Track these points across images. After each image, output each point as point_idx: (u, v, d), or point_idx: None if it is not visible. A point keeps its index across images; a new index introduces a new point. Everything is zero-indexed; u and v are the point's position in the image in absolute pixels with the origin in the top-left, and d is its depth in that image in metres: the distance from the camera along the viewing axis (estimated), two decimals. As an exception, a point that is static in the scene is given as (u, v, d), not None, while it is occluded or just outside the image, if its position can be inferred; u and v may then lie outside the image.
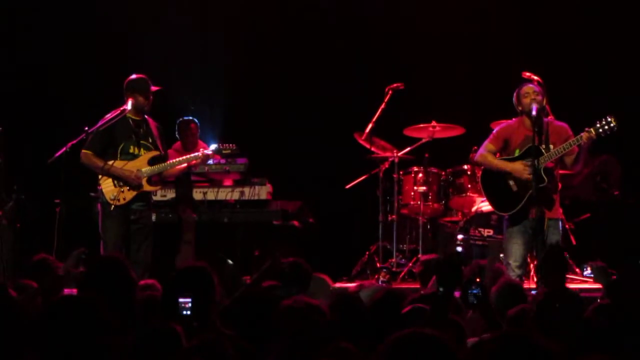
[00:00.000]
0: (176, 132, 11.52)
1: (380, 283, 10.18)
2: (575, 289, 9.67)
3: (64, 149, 8.98)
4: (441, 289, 5.69)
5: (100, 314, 4.24)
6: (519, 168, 8.93)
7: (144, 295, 5.78)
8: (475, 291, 5.80)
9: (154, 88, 9.46)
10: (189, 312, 5.00)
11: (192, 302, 5.06)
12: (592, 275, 10.14)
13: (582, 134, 8.63)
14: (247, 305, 5.32)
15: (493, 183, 9.13)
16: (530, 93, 9.01)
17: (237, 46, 13.53)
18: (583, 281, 10.61)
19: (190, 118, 11.61)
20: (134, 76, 9.47)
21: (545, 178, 8.77)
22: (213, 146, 9.86)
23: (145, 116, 9.49)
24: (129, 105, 9.28)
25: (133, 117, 9.37)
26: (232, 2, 13.63)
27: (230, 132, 11.81)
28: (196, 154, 9.74)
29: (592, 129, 8.56)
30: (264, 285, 6.39)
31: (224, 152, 9.85)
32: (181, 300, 5.01)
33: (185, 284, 5.26)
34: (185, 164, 9.63)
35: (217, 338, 4.28)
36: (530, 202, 8.84)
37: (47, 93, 13.01)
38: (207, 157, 9.73)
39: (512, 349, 3.61)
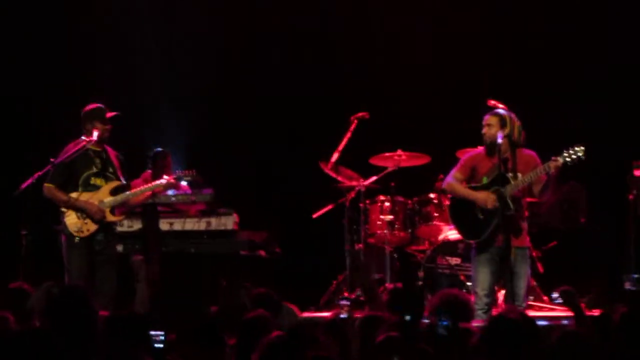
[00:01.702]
0: (149, 162, 11.47)
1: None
2: (543, 316, 9.76)
3: (30, 180, 8.94)
4: (408, 317, 5.66)
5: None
6: (484, 197, 8.94)
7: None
8: (445, 323, 5.68)
9: (109, 114, 9.43)
10: (160, 346, 4.97)
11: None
12: (560, 301, 10.21)
13: (549, 163, 8.65)
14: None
15: (461, 211, 9.14)
16: (484, 125, 9.09)
17: (203, 76, 13.50)
18: (551, 309, 10.64)
19: (166, 150, 11.57)
20: (91, 106, 9.44)
21: (512, 206, 8.78)
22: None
23: (105, 145, 9.46)
24: (94, 136, 9.24)
25: (93, 147, 9.34)
26: (197, 28, 13.60)
27: (196, 162, 11.74)
28: (159, 181, 9.75)
29: (559, 158, 8.59)
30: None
31: (184, 178, 9.88)
32: (153, 333, 4.97)
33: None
34: (148, 192, 9.60)
35: None
36: (498, 230, 8.85)
37: (13, 123, 12.95)
38: (169, 184, 9.74)
39: None
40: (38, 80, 12.92)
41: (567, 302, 7.22)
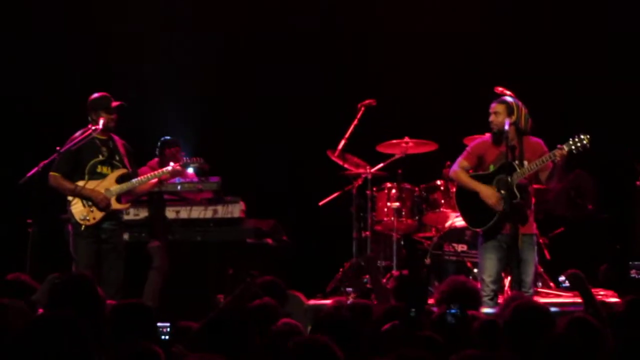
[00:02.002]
0: (157, 150, 11.47)
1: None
2: (550, 303, 9.74)
3: (36, 168, 8.92)
4: (413, 310, 5.64)
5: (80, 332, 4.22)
6: (488, 193, 8.91)
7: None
8: (453, 311, 5.64)
9: (114, 103, 9.40)
10: (167, 337, 4.96)
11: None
12: (567, 285, 10.20)
13: (555, 151, 8.64)
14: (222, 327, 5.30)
15: (467, 198, 9.12)
16: (491, 113, 9.06)
17: (209, 65, 13.49)
18: (558, 295, 10.63)
19: (175, 139, 11.58)
20: (96, 95, 9.41)
21: (518, 194, 8.76)
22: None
23: (111, 134, 9.44)
24: (100, 125, 9.22)
25: (99, 136, 9.31)
26: (201, 21, 13.59)
27: (203, 150, 11.73)
28: (165, 169, 9.73)
29: (564, 146, 8.57)
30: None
31: (191, 165, 9.86)
32: (160, 324, 4.96)
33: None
34: (155, 180, 9.58)
35: None
36: (504, 217, 8.83)
37: (17, 111, 12.95)
38: (175, 171, 9.72)
39: None
40: (38, 80, 12.91)
41: (576, 286, 7.18)
